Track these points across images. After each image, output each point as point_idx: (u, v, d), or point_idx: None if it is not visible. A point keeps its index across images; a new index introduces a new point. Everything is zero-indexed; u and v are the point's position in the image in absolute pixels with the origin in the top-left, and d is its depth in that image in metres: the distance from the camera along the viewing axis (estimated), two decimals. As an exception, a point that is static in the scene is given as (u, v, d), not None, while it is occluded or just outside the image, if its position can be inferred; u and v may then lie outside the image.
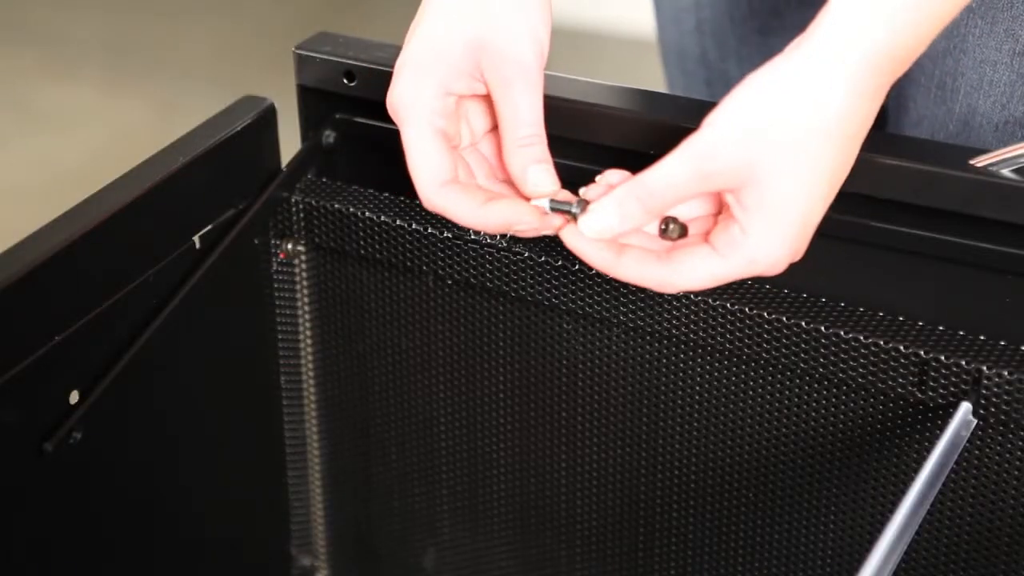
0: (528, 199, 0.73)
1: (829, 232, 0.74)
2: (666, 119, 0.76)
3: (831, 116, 0.66)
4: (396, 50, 0.75)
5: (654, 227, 0.72)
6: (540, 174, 0.72)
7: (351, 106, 0.84)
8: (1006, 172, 0.70)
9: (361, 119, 0.85)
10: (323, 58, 0.83)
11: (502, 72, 0.72)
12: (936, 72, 0.87)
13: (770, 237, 0.68)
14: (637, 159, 0.76)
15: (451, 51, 0.73)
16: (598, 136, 0.78)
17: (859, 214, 0.73)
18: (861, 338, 0.73)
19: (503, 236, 0.80)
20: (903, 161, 0.71)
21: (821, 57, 0.66)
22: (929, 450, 0.69)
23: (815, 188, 0.67)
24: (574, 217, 0.71)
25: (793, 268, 0.75)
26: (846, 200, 0.73)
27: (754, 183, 0.67)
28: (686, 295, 0.76)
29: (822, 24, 0.66)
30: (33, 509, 0.73)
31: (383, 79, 0.74)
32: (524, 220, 0.72)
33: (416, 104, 0.73)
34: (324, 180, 0.86)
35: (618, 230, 0.70)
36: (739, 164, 0.67)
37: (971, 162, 0.70)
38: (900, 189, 0.71)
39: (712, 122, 0.67)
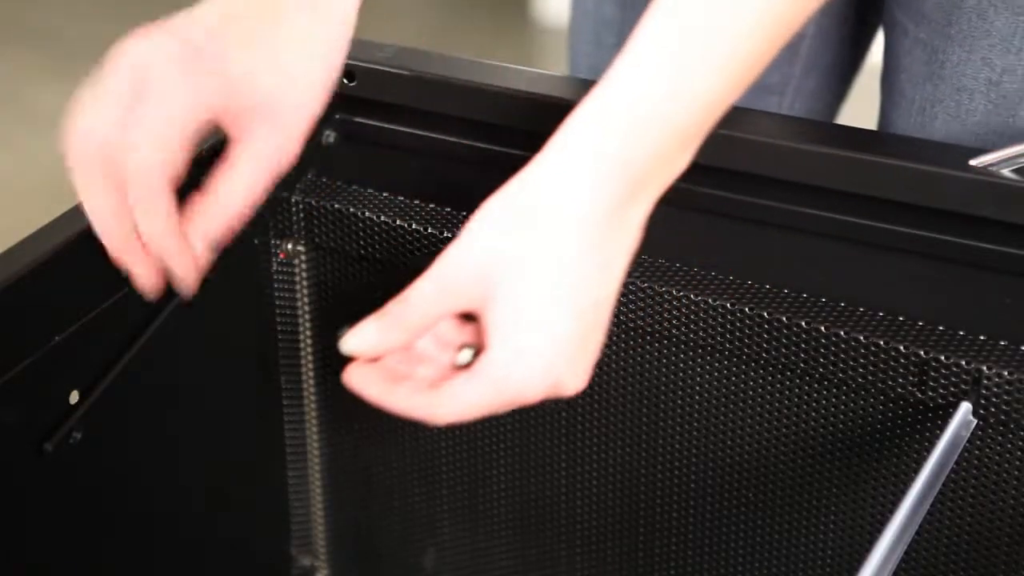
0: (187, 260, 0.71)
1: (829, 232, 0.74)
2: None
3: (561, 227, 0.63)
4: (396, 50, 0.75)
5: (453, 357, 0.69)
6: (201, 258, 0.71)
7: (351, 106, 0.84)
8: (1006, 172, 0.70)
9: (361, 119, 0.85)
10: (323, 58, 0.83)
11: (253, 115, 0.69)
12: (916, 97, 0.86)
13: (515, 358, 0.64)
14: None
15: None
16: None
17: (859, 214, 0.73)
18: (861, 338, 0.73)
19: None
20: (903, 161, 0.71)
21: (544, 168, 0.63)
22: (929, 450, 0.69)
23: (559, 305, 0.63)
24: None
25: (793, 268, 0.75)
26: (846, 200, 0.73)
27: (494, 301, 0.64)
28: (686, 295, 0.76)
29: (554, 136, 0.64)
30: (33, 509, 0.73)
31: (383, 79, 0.74)
32: None
33: None
34: (324, 180, 0.86)
35: (378, 347, 0.67)
36: (478, 282, 0.64)
37: (971, 162, 0.70)
38: (900, 189, 0.71)
39: (460, 236, 0.65)
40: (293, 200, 0.85)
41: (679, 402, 0.80)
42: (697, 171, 0.76)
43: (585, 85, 0.79)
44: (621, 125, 0.62)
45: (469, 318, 0.67)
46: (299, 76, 0.70)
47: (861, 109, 1.06)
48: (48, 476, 0.72)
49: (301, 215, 0.85)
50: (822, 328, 0.74)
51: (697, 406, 0.80)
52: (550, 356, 0.63)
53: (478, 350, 0.66)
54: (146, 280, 0.71)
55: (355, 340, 0.68)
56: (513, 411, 0.86)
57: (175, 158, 0.68)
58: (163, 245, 0.70)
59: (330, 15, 0.71)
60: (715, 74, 0.62)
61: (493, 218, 0.64)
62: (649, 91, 0.62)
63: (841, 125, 0.91)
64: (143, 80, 0.68)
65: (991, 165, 0.70)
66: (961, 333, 0.73)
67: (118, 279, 0.74)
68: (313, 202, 0.85)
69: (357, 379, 0.68)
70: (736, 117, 0.79)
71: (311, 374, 0.92)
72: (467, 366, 0.66)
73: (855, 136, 0.78)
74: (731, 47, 0.62)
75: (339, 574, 0.99)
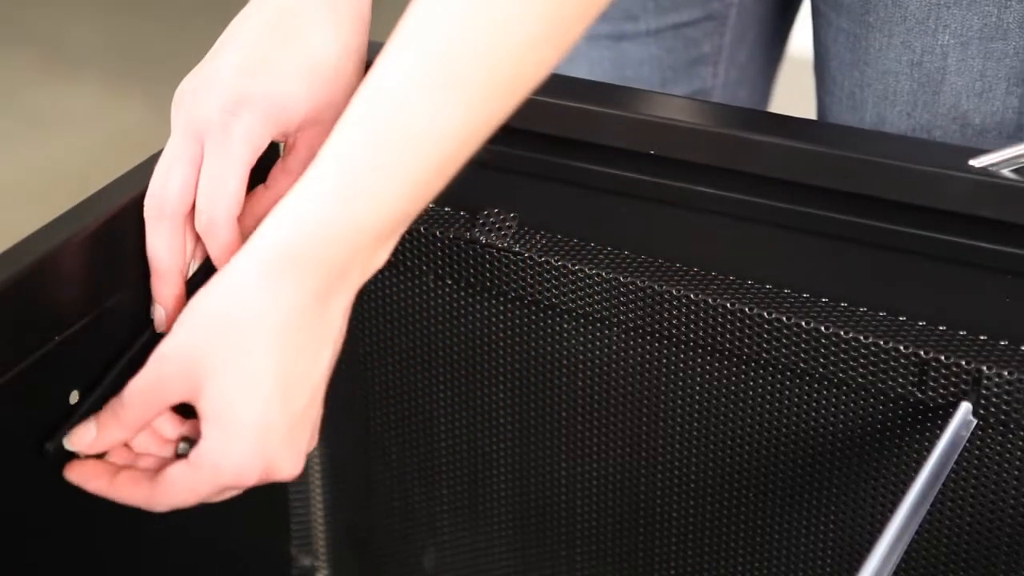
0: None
1: (829, 232, 0.74)
2: (666, 119, 0.76)
3: (259, 325, 0.64)
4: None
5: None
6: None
7: (351, 106, 0.84)
8: (1006, 172, 0.70)
9: (361, 119, 0.85)
10: (323, 58, 0.83)
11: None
12: (845, 83, 0.90)
13: (227, 444, 0.66)
14: (635, 159, 0.76)
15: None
16: (602, 137, 0.78)
17: (859, 214, 0.73)
18: (861, 338, 0.73)
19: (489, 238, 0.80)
20: (903, 161, 0.71)
21: (241, 267, 0.65)
22: (929, 450, 0.69)
23: (264, 400, 0.65)
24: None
25: (793, 268, 0.75)
26: (847, 200, 0.73)
27: (204, 395, 0.65)
28: (686, 295, 0.76)
29: (252, 235, 0.65)
30: (33, 509, 0.73)
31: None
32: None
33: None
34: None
35: (97, 445, 0.70)
36: (188, 378, 0.65)
37: (971, 162, 0.70)
38: (900, 189, 0.71)
39: (169, 334, 0.67)
40: (293, 200, 0.85)
41: (679, 402, 0.80)
42: (697, 171, 0.76)
43: (577, 82, 0.79)
44: (312, 227, 0.63)
45: (186, 412, 0.69)
46: (331, 77, 0.73)
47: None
48: (48, 476, 0.72)
49: (301, 215, 0.85)
50: (822, 328, 0.74)
51: (697, 406, 0.80)
52: (260, 445, 0.66)
53: (195, 441, 0.68)
54: (170, 316, 0.74)
55: (75, 438, 0.71)
56: (512, 411, 0.86)
57: (241, 196, 0.72)
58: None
59: (341, 5, 0.74)
60: (400, 185, 0.63)
61: (196, 318, 0.66)
62: (335, 200, 0.63)
63: (841, 126, 0.91)
64: (201, 137, 0.72)
65: (991, 165, 0.70)
66: (961, 333, 0.73)
67: (119, 278, 0.74)
68: (313, 202, 0.85)
69: (77, 475, 0.71)
70: (734, 116, 0.79)
71: (311, 374, 0.92)
72: (186, 457, 0.69)
73: (855, 136, 0.78)
74: (411, 162, 0.63)
75: (339, 574, 0.99)
